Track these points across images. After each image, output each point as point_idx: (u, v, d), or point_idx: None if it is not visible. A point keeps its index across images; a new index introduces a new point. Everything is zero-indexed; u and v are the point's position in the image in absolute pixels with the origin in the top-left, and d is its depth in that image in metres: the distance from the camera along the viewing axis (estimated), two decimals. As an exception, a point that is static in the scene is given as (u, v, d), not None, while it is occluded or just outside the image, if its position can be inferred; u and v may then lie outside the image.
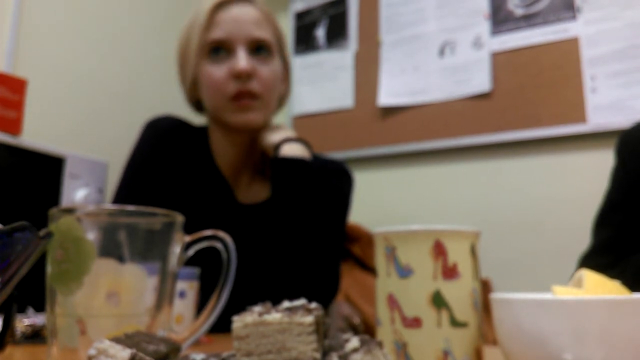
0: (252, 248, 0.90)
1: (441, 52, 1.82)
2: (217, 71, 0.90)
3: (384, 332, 0.44)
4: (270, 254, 0.89)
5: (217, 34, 0.91)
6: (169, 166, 0.96)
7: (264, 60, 0.93)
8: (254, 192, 1.01)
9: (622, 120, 1.49)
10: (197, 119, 1.12)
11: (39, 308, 0.65)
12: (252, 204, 0.99)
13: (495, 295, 0.42)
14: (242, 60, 0.89)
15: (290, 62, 1.03)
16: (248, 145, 0.98)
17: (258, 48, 0.93)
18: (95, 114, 1.59)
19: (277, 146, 0.94)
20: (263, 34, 0.93)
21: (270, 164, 0.95)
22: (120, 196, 0.94)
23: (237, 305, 0.59)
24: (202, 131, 1.02)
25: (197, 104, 1.01)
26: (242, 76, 0.89)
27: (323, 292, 0.93)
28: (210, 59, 0.92)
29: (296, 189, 0.90)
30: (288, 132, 0.97)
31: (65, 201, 1.23)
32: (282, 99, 1.03)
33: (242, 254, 0.75)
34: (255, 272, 0.89)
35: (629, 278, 0.84)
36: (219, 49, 0.91)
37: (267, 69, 0.93)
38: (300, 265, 0.89)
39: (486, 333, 1.32)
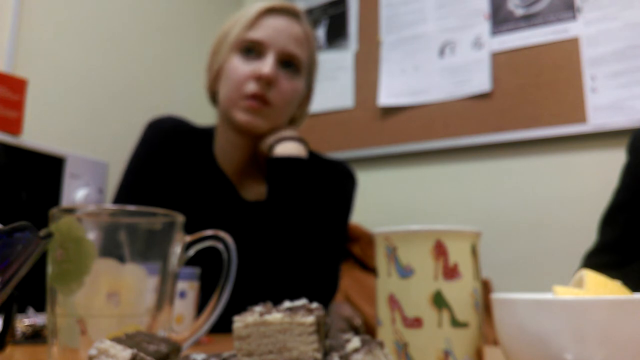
0: (255, 245, 0.90)
1: (441, 52, 1.82)
2: (242, 67, 0.92)
3: (385, 332, 0.44)
4: (270, 252, 0.89)
5: (256, 35, 0.93)
6: (170, 166, 0.96)
7: (289, 75, 0.95)
8: (259, 191, 1.01)
9: (622, 120, 1.49)
10: (199, 119, 1.12)
11: (40, 308, 0.65)
12: (257, 201, 0.99)
13: (496, 296, 0.42)
14: (267, 65, 0.90)
15: (314, 90, 1.04)
16: (252, 147, 0.98)
17: (288, 62, 0.95)
18: (95, 114, 1.59)
19: (271, 146, 0.94)
20: (297, 51, 0.95)
21: (266, 164, 0.95)
22: (121, 196, 0.94)
23: (237, 305, 0.58)
24: (204, 131, 1.02)
25: (214, 95, 1.02)
26: (262, 80, 0.90)
27: (319, 292, 0.92)
28: (240, 55, 0.94)
29: (290, 187, 0.90)
30: (285, 132, 0.97)
31: (66, 201, 1.23)
32: (294, 120, 1.03)
33: (245, 250, 0.75)
34: (256, 271, 0.89)
35: (635, 284, 0.84)
36: (252, 49, 0.93)
37: (289, 84, 0.94)
38: (296, 265, 0.89)
39: (487, 333, 1.31)
